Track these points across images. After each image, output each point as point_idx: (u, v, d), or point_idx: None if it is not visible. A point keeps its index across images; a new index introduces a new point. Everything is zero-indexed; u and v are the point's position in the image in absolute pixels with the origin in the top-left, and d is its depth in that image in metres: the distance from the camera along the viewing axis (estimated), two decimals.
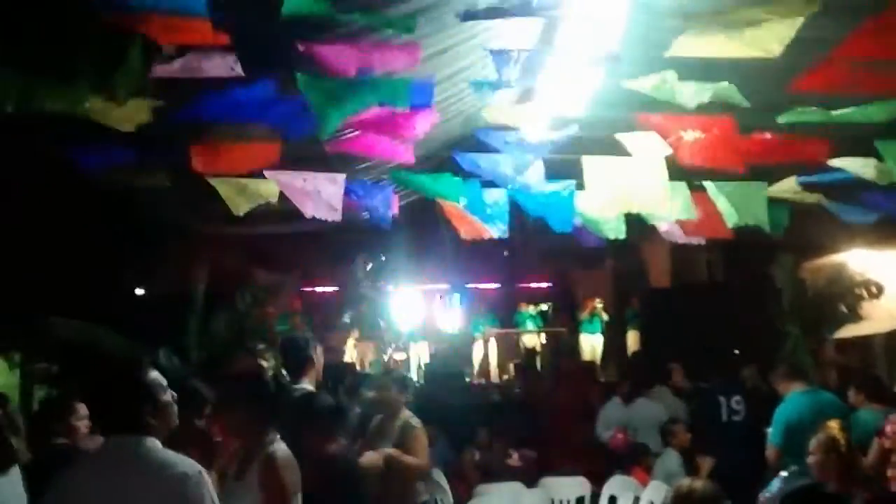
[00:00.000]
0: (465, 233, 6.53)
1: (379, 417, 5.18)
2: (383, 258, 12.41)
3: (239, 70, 3.68)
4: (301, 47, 3.49)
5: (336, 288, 13.74)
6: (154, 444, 2.73)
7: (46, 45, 2.87)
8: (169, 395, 2.81)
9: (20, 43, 2.87)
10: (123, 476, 2.66)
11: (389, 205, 6.02)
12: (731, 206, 5.81)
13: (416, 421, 5.09)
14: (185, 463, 2.73)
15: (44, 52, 2.89)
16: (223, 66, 3.58)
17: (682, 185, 5.73)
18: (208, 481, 2.75)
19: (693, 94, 4.07)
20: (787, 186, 6.08)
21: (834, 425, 3.88)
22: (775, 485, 4.90)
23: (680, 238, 6.67)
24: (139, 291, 11.32)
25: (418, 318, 13.24)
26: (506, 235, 6.33)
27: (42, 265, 8.74)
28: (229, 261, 11.97)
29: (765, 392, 7.09)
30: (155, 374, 2.80)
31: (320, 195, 5.25)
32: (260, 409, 3.39)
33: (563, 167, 5.77)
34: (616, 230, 6.35)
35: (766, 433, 5.80)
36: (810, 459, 3.83)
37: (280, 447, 3.30)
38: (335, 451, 3.90)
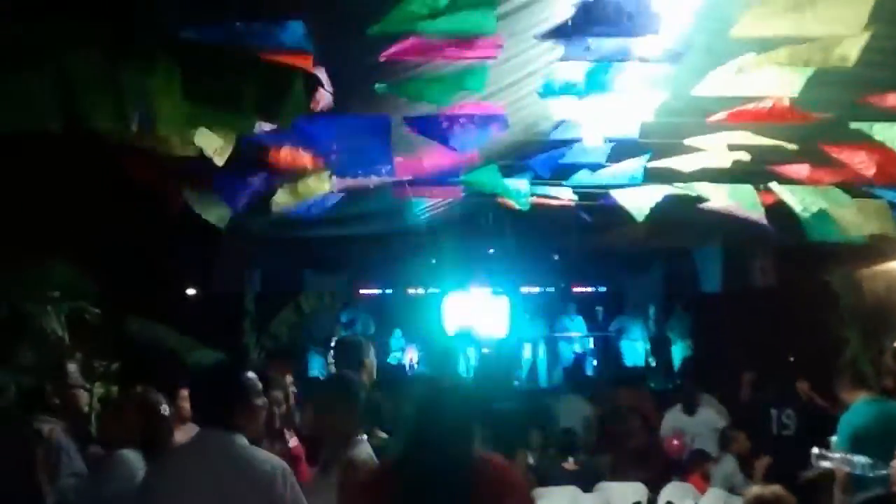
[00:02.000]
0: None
1: None
2: (433, 261, 12.47)
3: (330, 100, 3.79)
4: (382, 58, 3.54)
5: (388, 290, 13.87)
6: (243, 441, 2.84)
7: (215, 75, 3.00)
8: (262, 399, 2.93)
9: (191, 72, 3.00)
10: (215, 467, 2.79)
11: None
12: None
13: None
14: (273, 459, 2.85)
15: (213, 83, 3.02)
16: (321, 96, 3.68)
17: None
18: (293, 479, 2.85)
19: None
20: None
21: None
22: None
23: None
24: (191, 291, 11.50)
25: (467, 321, 13.25)
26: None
27: (99, 263, 8.96)
28: (281, 262, 12.16)
29: (817, 407, 7.03)
30: (252, 378, 2.91)
31: None
32: (352, 411, 3.43)
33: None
34: None
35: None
36: (894, 465, 3.76)
37: (364, 450, 3.34)
38: None
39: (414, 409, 2.79)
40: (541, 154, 5.53)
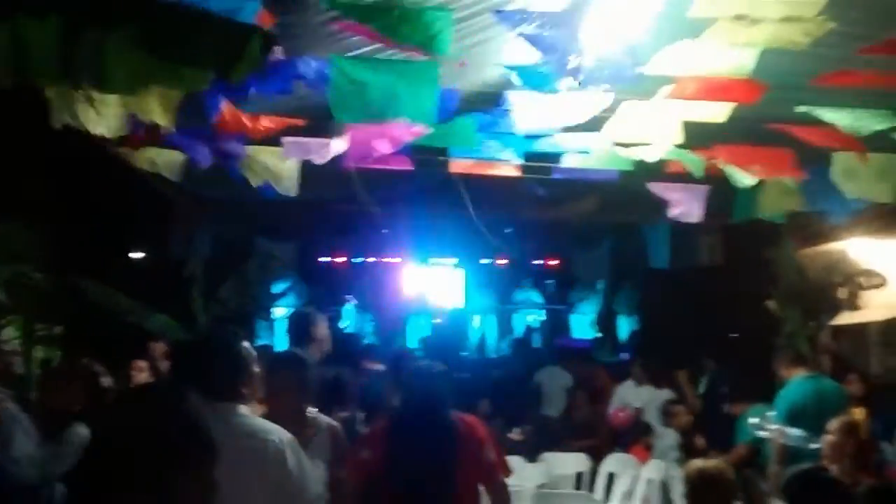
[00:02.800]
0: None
1: None
2: (385, 231, 12.44)
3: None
4: (337, 26, 3.50)
5: (342, 259, 13.79)
6: (245, 410, 2.81)
7: (170, 30, 2.92)
8: (257, 367, 2.91)
9: (145, 25, 2.92)
10: (221, 440, 2.73)
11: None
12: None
13: None
14: (279, 430, 2.81)
15: (167, 37, 2.94)
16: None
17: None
18: (300, 448, 2.82)
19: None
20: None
21: (857, 411, 3.96)
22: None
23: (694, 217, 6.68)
24: (139, 255, 11.33)
25: (419, 292, 13.30)
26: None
27: (46, 224, 8.76)
28: (232, 228, 12.01)
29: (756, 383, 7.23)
30: (248, 346, 2.90)
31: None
32: (308, 386, 3.45)
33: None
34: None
35: None
36: (827, 439, 3.91)
37: (324, 419, 3.39)
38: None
39: (412, 387, 3.87)
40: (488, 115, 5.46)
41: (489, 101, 5.03)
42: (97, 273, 7.39)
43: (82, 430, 3.44)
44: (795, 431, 5.05)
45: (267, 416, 3.05)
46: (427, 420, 3.75)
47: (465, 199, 6.98)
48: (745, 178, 5.86)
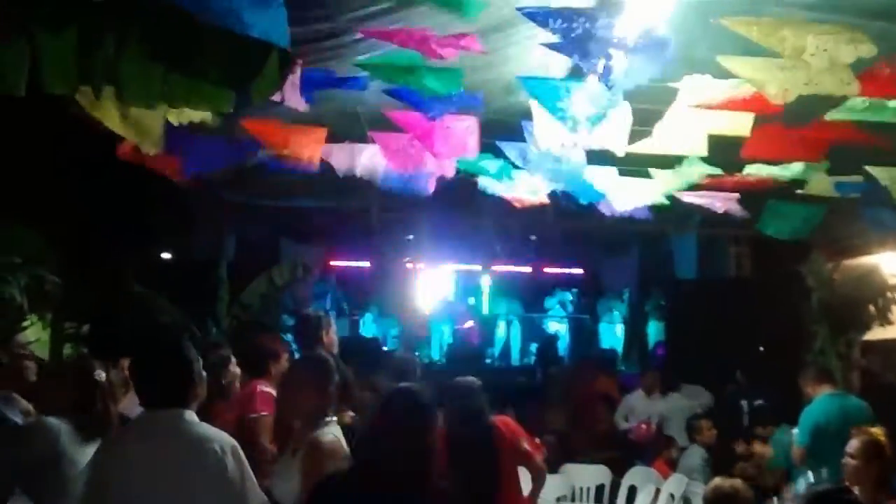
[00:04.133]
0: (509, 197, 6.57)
1: None
2: (410, 237, 12.43)
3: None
4: (361, 34, 3.48)
5: (365, 263, 13.80)
6: (192, 416, 2.81)
7: (187, 44, 2.92)
8: (201, 367, 2.89)
9: (162, 38, 2.92)
10: (166, 447, 2.73)
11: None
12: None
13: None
14: (222, 436, 2.82)
15: (185, 51, 2.93)
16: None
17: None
18: (242, 455, 2.81)
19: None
20: (823, 187, 6.03)
21: (879, 431, 3.84)
22: (801, 485, 4.90)
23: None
24: (166, 255, 11.40)
25: (443, 298, 13.29)
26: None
27: (67, 227, 8.87)
28: (258, 231, 12.08)
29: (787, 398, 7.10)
30: (192, 347, 2.88)
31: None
32: (326, 392, 3.37)
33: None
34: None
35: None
36: (848, 462, 3.80)
37: (332, 431, 3.25)
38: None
39: (456, 399, 4.41)
40: (515, 139, 5.44)
41: (514, 121, 5.01)
42: (122, 274, 7.47)
43: (53, 422, 3.35)
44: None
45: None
46: (471, 430, 4.37)
47: (486, 207, 6.94)
48: (781, 171, 5.72)
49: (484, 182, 6.35)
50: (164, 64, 2.95)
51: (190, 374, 2.83)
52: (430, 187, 6.03)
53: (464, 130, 4.78)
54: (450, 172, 5.76)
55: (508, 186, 6.35)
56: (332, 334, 4.63)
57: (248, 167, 6.45)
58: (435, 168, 5.64)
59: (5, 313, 5.18)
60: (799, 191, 5.95)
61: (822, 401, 5.60)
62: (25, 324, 5.66)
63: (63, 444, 3.24)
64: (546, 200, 6.60)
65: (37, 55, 2.83)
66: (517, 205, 6.75)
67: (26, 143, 6.75)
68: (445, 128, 4.76)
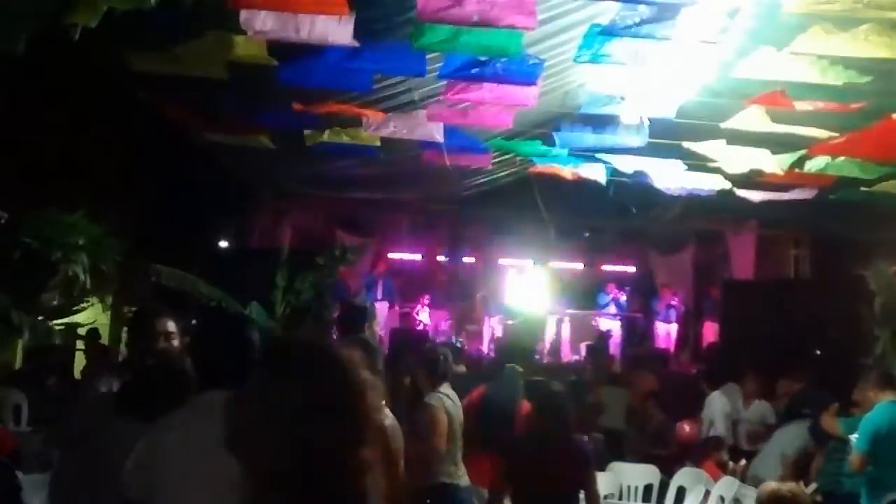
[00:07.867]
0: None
1: None
2: (464, 230, 12.47)
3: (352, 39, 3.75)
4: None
5: (419, 256, 13.88)
6: None
7: None
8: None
9: None
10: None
11: None
12: None
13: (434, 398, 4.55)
14: None
15: None
16: (342, 33, 3.64)
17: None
18: None
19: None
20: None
21: None
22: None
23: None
24: (224, 244, 11.63)
25: (496, 292, 13.27)
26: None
27: (138, 214, 9.10)
28: (314, 221, 12.25)
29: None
30: (257, 334, 2.90)
31: None
32: (374, 371, 3.45)
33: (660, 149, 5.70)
34: None
35: None
36: None
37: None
38: None
39: (542, 405, 4.47)
40: (575, 126, 5.44)
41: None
42: (183, 261, 7.63)
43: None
44: None
45: None
46: (555, 441, 4.34)
47: (539, 200, 6.96)
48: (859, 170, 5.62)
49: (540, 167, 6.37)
50: None
51: (253, 355, 2.85)
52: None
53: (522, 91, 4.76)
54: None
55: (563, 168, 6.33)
56: (375, 326, 4.67)
57: (308, 150, 6.58)
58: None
59: (69, 291, 5.32)
60: (864, 188, 5.84)
61: (883, 407, 5.44)
62: (85, 305, 5.82)
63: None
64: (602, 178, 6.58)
65: None
66: (570, 177, 6.74)
67: (97, 134, 6.95)
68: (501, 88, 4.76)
